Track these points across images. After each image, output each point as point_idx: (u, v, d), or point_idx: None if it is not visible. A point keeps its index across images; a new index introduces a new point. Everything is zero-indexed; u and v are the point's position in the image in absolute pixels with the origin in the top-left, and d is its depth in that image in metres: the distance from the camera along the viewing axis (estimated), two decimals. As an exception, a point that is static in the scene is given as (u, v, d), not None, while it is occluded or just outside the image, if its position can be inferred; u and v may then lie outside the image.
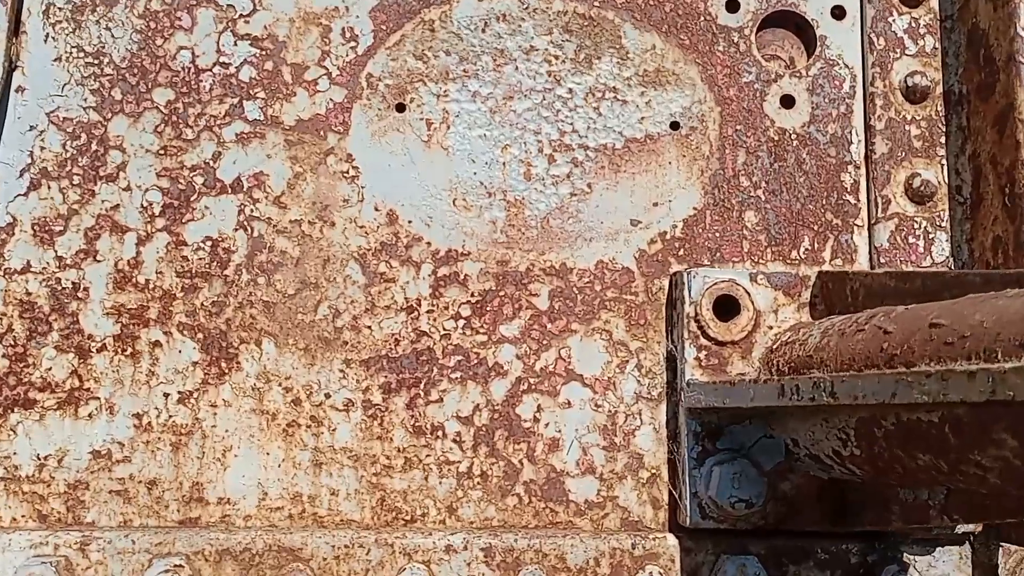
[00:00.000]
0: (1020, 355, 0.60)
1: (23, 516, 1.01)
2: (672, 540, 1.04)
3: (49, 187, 1.07)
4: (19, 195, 1.07)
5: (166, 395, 1.04)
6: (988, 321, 0.64)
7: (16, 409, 1.02)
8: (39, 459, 1.01)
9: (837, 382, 0.77)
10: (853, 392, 0.74)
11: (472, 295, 1.09)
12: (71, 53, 1.10)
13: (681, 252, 1.13)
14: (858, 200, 1.15)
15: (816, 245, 1.14)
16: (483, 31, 1.15)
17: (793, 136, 1.16)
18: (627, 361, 1.10)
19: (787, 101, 1.17)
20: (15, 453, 1.01)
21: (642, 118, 1.15)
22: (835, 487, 1.02)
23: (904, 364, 0.74)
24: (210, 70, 1.11)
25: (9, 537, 0.97)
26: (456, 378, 1.08)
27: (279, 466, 1.04)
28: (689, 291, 1.06)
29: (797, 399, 0.83)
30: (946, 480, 0.78)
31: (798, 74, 1.17)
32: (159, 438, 1.03)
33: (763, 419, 1.02)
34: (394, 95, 1.13)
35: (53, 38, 1.10)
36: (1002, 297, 0.68)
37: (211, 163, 1.09)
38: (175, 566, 0.96)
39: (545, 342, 1.09)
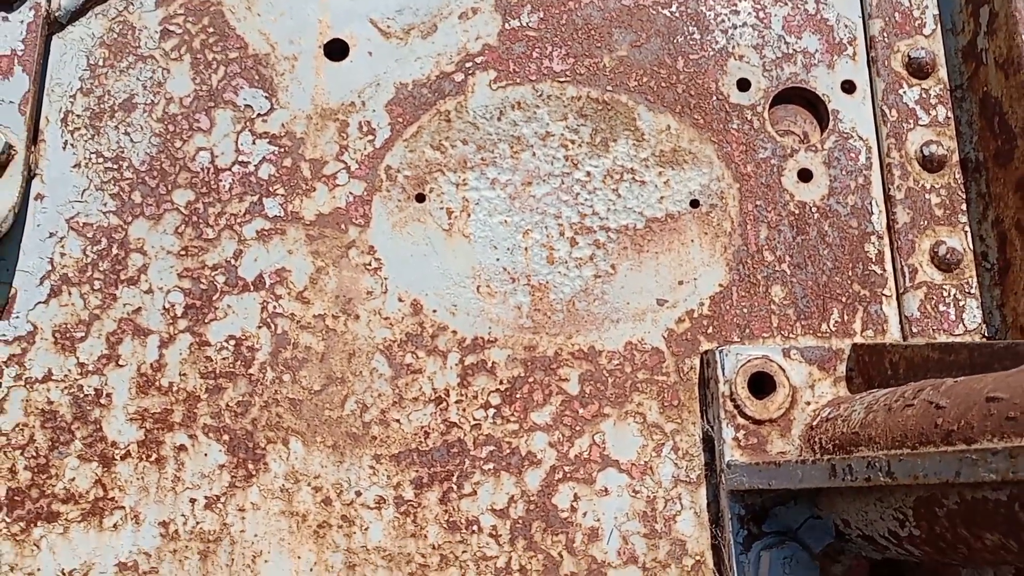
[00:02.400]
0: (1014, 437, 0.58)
1: (44, 638, 0.97)
2: (722, 632, 1.00)
3: (70, 293, 1.06)
4: (39, 303, 1.06)
5: (192, 500, 1.00)
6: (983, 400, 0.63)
7: (39, 523, 0.99)
8: (64, 575, 0.98)
9: (894, 461, 0.75)
10: (913, 472, 0.72)
11: (501, 383, 1.07)
12: (90, 159, 1.10)
13: (710, 330, 1.11)
14: (884, 270, 1.15)
15: (846, 317, 1.13)
16: (499, 119, 1.16)
17: (814, 209, 1.16)
18: (663, 444, 1.07)
19: (805, 175, 1.17)
20: (39, 569, 0.97)
21: (661, 197, 1.15)
22: (891, 568, 0.98)
23: (963, 440, 0.71)
24: (229, 169, 1.12)
25: (30, 662, 0.92)
26: (489, 469, 1.05)
27: (311, 570, 1.00)
28: (723, 369, 1.05)
29: (851, 479, 0.81)
30: (1015, 559, 0.75)
31: (813, 148, 1.18)
32: (187, 546, 0.99)
33: (810, 499, 0.99)
34: (413, 186, 1.13)
35: (72, 145, 1.11)
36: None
37: (232, 261, 1.09)
38: None
39: (578, 428, 1.07)
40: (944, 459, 0.69)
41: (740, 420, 1.03)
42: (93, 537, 0.99)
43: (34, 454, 1.00)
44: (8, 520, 0.99)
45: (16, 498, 0.99)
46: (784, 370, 1.04)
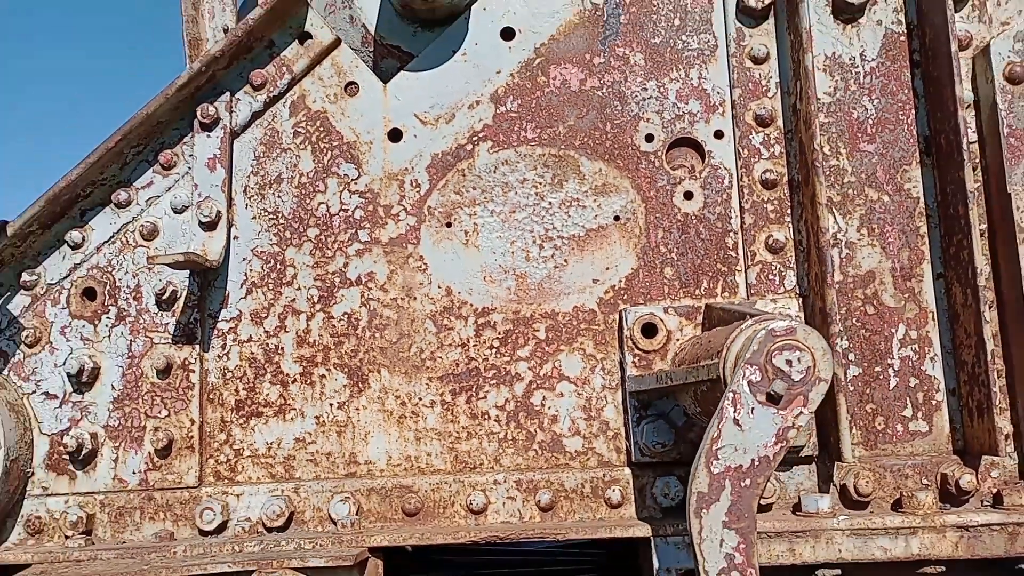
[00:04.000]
0: (716, 357, 1.29)
1: (260, 476, 1.83)
2: (627, 471, 1.76)
3: (256, 292, 1.89)
4: (241, 298, 1.89)
5: (332, 404, 1.84)
6: (715, 339, 1.34)
7: (252, 417, 1.84)
8: (267, 444, 1.83)
9: (672, 374, 1.48)
10: (673, 379, 1.45)
11: (499, 333, 1.84)
12: (260, 214, 1.92)
13: (625, 297, 1.83)
14: (737, 255, 1.82)
15: (711, 285, 1.82)
16: (494, 172, 1.89)
17: (693, 217, 1.85)
18: (595, 366, 1.81)
19: (688, 195, 1.85)
20: (254, 442, 1.84)
21: (595, 215, 1.86)
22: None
23: (694, 361, 1.44)
24: (338, 214, 1.91)
25: (255, 487, 1.79)
26: (493, 383, 1.82)
27: (396, 441, 1.82)
28: (627, 321, 1.77)
29: (662, 383, 1.54)
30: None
31: (694, 177, 1.86)
32: (329, 429, 1.83)
33: (673, 395, 1.72)
34: (444, 217, 1.89)
35: (248, 205, 1.92)
36: (731, 327, 1.37)
37: (343, 269, 1.89)
38: (345, 498, 1.75)
39: (544, 358, 1.82)
40: (685, 371, 1.41)
41: (636, 351, 1.76)
42: (280, 425, 1.84)
43: (247, 382, 1.86)
44: (236, 417, 1.84)
45: (239, 405, 1.85)
46: (663, 321, 1.76)
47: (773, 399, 1.23)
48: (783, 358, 1.24)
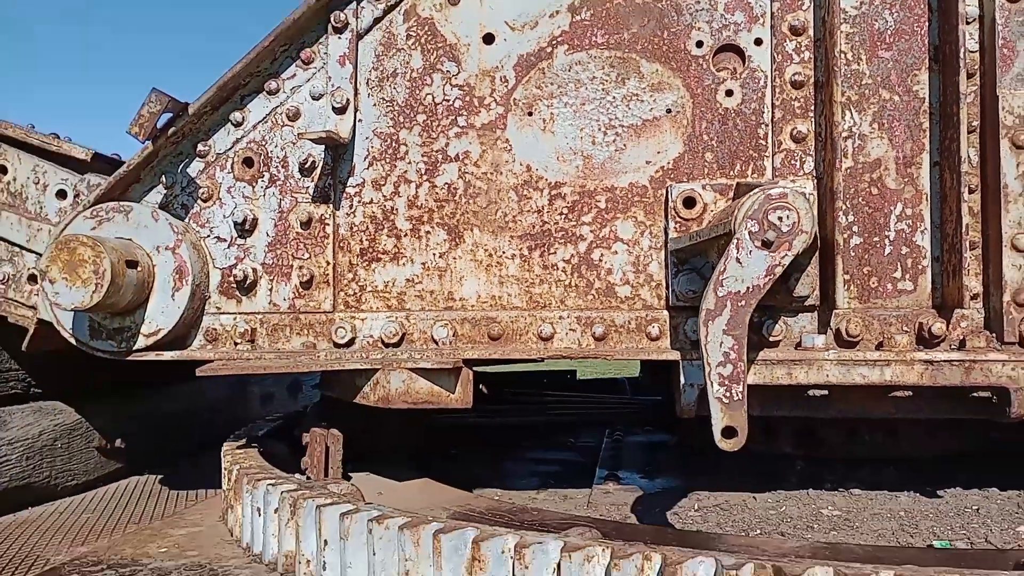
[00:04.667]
0: (731, 217, 1.73)
1: (379, 307, 2.37)
2: (665, 312, 2.23)
3: (376, 164, 2.38)
4: (364, 169, 2.39)
5: (434, 254, 2.34)
6: (734, 207, 1.77)
7: (373, 263, 2.37)
8: (384, 282, 2.36)
9: (700, 232, 1.92)
10: (701, 236, 1.89)
11: (568, 203, 2.30)
12: (380, 101, 2.39)
13: (672, 176, 2.26)
14: (767, 143, 2.22)
15: (743, 168, 2.23)
16: (568, 71, 2.31)
17: (733, 112, 2.24)
18: (644, 231, 2.26)
19: (729, 93, 2.24)
20: (375, 280, 2.36)
21: (651, 108, 2.28)
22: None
23: (722, 224, 1.87)
24: (441, 103, 2.36)
25: (376, 314, 2.33)
26: (562, 242, 2.30)
27: (484, 283, 2.32)
28: (671, 195, 2.21)
29: (695, 240, 1.99)
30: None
31: (735, 77, 2.25)
32: (432, 273, 2.34)
33: (704, 252, 2.16)
34: (526, 108, 2.33)
35: (370, 95, 2.39)
36: (745, 196, 1.80)
37: (445, 148, 2.36)
38: (445, 324, 2.28)
39: (604, 224, 2.28)
40: (710, 228, 1.85)
41: (678, 219, 2.20)
42: (395, 269, 2.35)
43: (369, 234, 2.37)
44: (360, 261, 2.37)
45: (363, 252, 2.37)
46: (701, 195, 2.19)
47: (766, 244, 1.67)
48: (776, 215, 1.67)
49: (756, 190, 1.76)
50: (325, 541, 1.74)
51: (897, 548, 2.00)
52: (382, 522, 1.63)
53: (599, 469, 2.93)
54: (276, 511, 1.90)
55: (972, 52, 2.11)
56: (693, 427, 2.81)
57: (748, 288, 1.71)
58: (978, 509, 2.27)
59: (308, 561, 1.80)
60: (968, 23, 2.10)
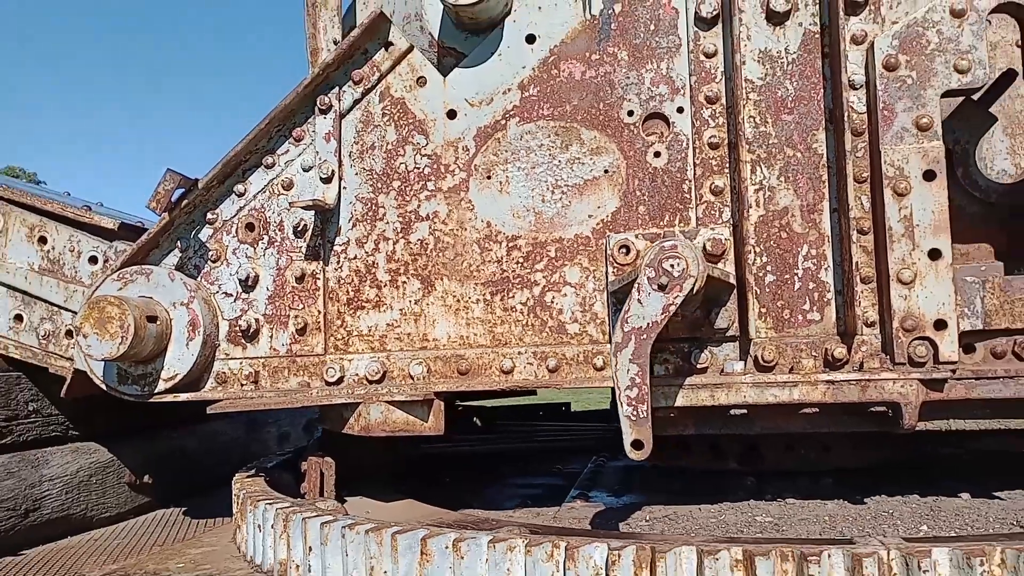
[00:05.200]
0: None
1: (363, 348, 2.72)
2: (608, 346, 2.56)
3: (359, 225, 2.76)
4: (349, 229, 2.77)
5: (410, 301, 2.71)
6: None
7: (358, 311, 2.73)
8: (368, 327, 2.72)
9: (625, 278, 2.26)
10: (626, 280, 2.24)
11: (523, 253, 2.66)
12: (360, 171, 2.78)
13: (610, 227, 2.61)
14: (690, 197, 2.57)
15: (671, 219, 2.58)
16: (520, 139, 2.69)
17: (661, 170, 2.60)
18: (589, 275, 2.61)
19: (657, 154, 2.60)
20: (360, 326, 2.73)
21: (591, 169, 2.64)
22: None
23: (635, 266, 2.22)
24: (413, 171, 2.75)
25: (361, 355, 2.69)
26: (519, 287, 2.65)
27: (453, 325, 2.68)
28: (610, 244, 2.56)
29: (624, 282, 2.33)
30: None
31: (662, 141, 2.61)
32: (409, 317, 2.70)
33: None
34: (485, 172, 2.70)
35: (352, 165, 2.78)
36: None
37: (417, 209, 2.73)
38: (420, 362, 2.63)
39: (554, 270, 2.64)
40: (630, 274, 2.20)
41: (616, 265, 2.54)
42: (376, 315, 2.72)
43: (354, 286, 2.74)
44: (347, 309, 2.74)
45: (349, 301, 2.74)
46: (634, 243, 2.54)
47: (662, 287, 2.01)
48: (668, 263, 2.02)
49: (659, 241, 2.11)
50: (310, 547, 2.09)
51: (783, 538, 2.28)
52: (353, 528, 1.97)
53: (574, 489, 3.24)
54: (272, 526, 2.26)
55: (861, 114, 2.45)
56: (673, 452, 3.14)
57: (648, 324, 2.05)
58: (892, 512, 2.56)
59: (297, 566, 2.15)
60: (856, 89, 2.44)
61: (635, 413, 2.05)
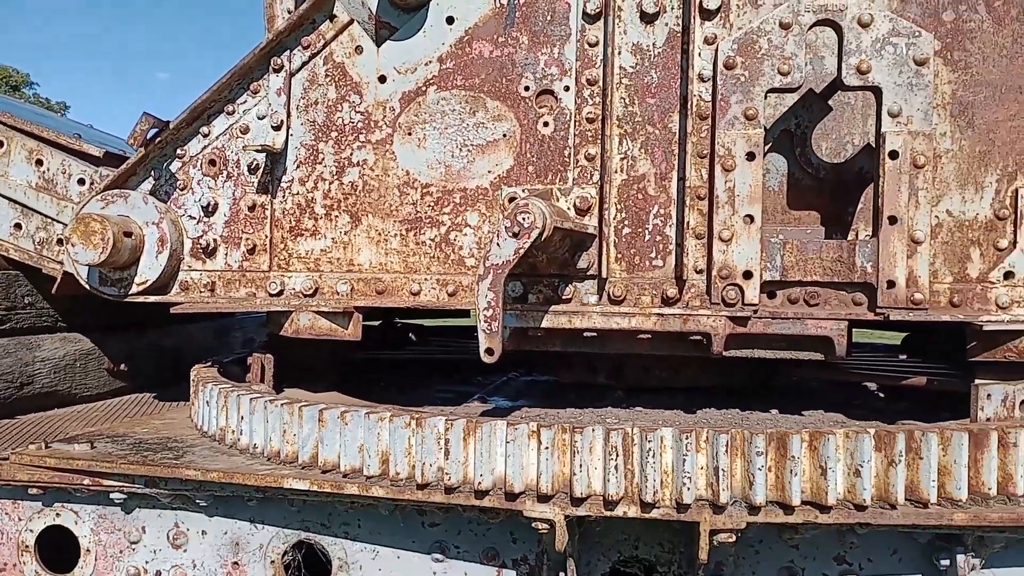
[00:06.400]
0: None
1: (301, 268, 3.34)
2: (496, 278, 3.20)
3: (302, 167, 3.35)
4: (294, 169, 3.35)
5: (341, 232, 3.32)
6: None
7: (298, 237, 3.34)
8: (305, 251, 3.33)
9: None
10: (500, 224, 2.86)
11: (434, 199, 3.25)
12: (305, 121, 3.34)
13: (505, 182, 3.21)
14: (569, 161, 3.16)
15: (553, 178, 3.17)
16: (437, 104, 3.26)
17: (548, 137, 3.18)
18: (486, 219, 3.22)
19: (546, 124, 3.18)
20: (299, 249, 3.34)
21: (492, 133, 3.22)
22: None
23: (507, 216, 2.84)
24: (348, 124, 3.32)
25: (299, 273, 3.31)
26: (429, 226, 3.25)
27: (374, 254, 3.30)
28: (502, 195, 3.15)
29: (501, 227, 2.95)
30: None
31: (551, 113, 3.18)
32: (339, 245, 3.32)
33: (520, 237, 3.12)
34: (407, 130, 3.28)
35: (298, 116, 3.35)
36: (520, 198, 2.76)
37: (350, 156, 3.31)
38: (345, 282, 3.26)
39: (458, 214, 3.24)
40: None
41: (505, 211, 3.15)
42: (313, 241, 3.33)
43: (296, 216, 3.34)
44: (289, 236, 3.35)
45: (291, 229, 3.35)
46: (520, 195, 3.14)
47: (515, 234, 2.63)
48: (520, 216, 2.63)
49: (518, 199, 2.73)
50: (241, 416, 2.75)
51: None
52: (274, 402, 2.63)
53: (478, 394, 3.92)
54: (216, 401, 2.92)
55: (706, 102, 3.03)
56: (573, 368, 3.80)
57: (503, 262, 2.66)
58: (710, 420, 3.24)
59: (232, 431, 2.81)
60: (704, 81, 3.01)
61: (488, 328, 2.69)
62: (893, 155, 2.83)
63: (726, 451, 2.17)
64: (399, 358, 4.69)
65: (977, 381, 2.80)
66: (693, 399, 3.52)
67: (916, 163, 2.81)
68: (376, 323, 4.87)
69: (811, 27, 2.91)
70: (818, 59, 3.13)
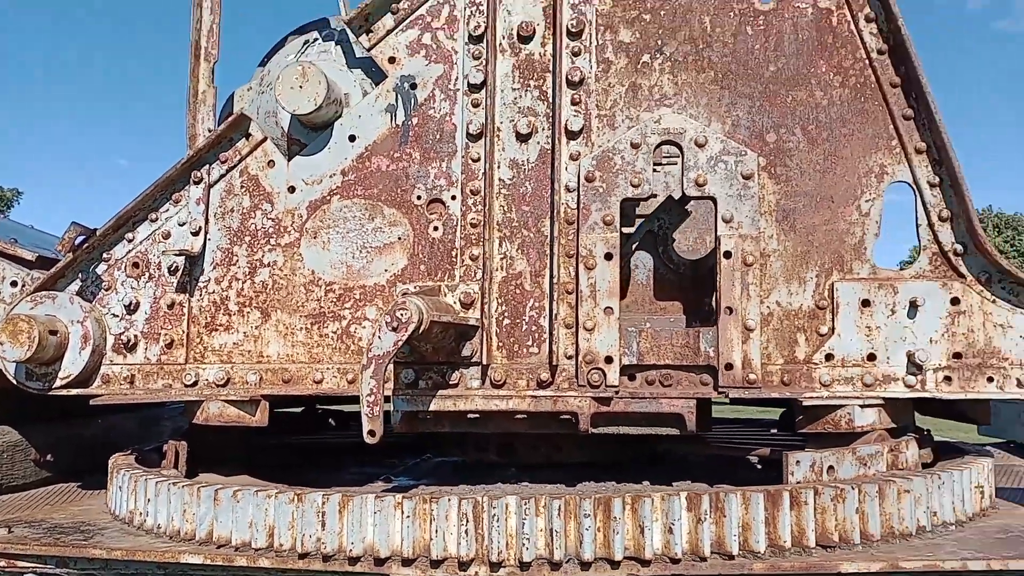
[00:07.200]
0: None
1: (215, 360, 3.65)
2: (391, 367, 3.55)
3: (218, 268, 3.71)
4: (211, 270, 3.71)
5: (252, 327, 3.65)
6: None
7: (212, 332, 3.67)
8: (219, 345, 3.66)
9: (389, 316, 3.26)
10: (388, 318, 3.24)
11: (336, 295, 3.63)
12: (222, 227, 3.72)
13: (400, 279, 3.59)
14: (456, 260, 3.57)
15: (442, 275, 3.57)
16: (340, 211, 3.66)
17: (437, 240, 3.59)
18: (383, 313, 3.59)
19: (436, 228, 3.59)
20: (214, 343, 3.66)
21: (389, 236, 3.62)
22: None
23: (393, 311, 3.21)
24: (260, 229, 3.70)
25: (213, 365, 3.62)
26: (332, 320, 3.61)
27: (283, 346, 3.63)
28: (397, 292, 3.53)
29: (391, 321, 3.32)
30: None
31: (440, 219, 3.60)
32: (250, 339, 3.65)
33: (412, 329, 3.48)
34: (313, 234, 3.67)
35: (216, 223, 3.72)
36: (403, 296, 3.14)
37: (261, 258, 3.68)
38: (255, 372, 3.58)
39: (358, 309, 3.60)
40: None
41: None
42: (226, 336, 3.66)
43: (211, 313, 3.68)
44: (205, 331, 3.67)
45: (207, 325, 3.68)
46: (411, 292, 3.52)
47: (394, 328, 2.99)
48: (399, 312, 3.00)
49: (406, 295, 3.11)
50: (148, 499, 3.01)
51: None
52: (176, 485, 2.91)
53: (386, 475, 4.20)
54: (126, 486, 3.18)
55: (572, 209, 3.48)
56: (469, 449, 4.11)
57: (384, 353, 3.01)
58: (585, 491, 3.56)
59: (140, 513, 3.07)
60: (570, 192, 3.47)
61: (371, 412, 3.01)
62: (727, 255, 3.29)
63: (559, 514, 2.51)
64: (318, 443, 4.96)
65: (790, 453, 3.19)
66: (578, 474, 3.85)
67: (746, 261, 3.27)
68: (299, 410, 5.14)
69: (657, 146, 3.41)
70: (668, 173, 3.62)
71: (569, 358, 3.43)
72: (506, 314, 3.51)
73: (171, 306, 3.70)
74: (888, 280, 3.41)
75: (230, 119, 3.70)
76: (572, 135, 3.50)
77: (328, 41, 3.90)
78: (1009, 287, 3.38)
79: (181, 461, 3.62)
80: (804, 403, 3.15)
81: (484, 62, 3.55)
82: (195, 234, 3.68)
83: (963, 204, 3.37)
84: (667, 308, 3.78)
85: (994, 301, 3.38)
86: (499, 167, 3.55)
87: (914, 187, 3.44)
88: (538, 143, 3.57)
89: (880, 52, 3.48)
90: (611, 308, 3.35)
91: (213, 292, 3.70)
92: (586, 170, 3.43)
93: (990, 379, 3.33)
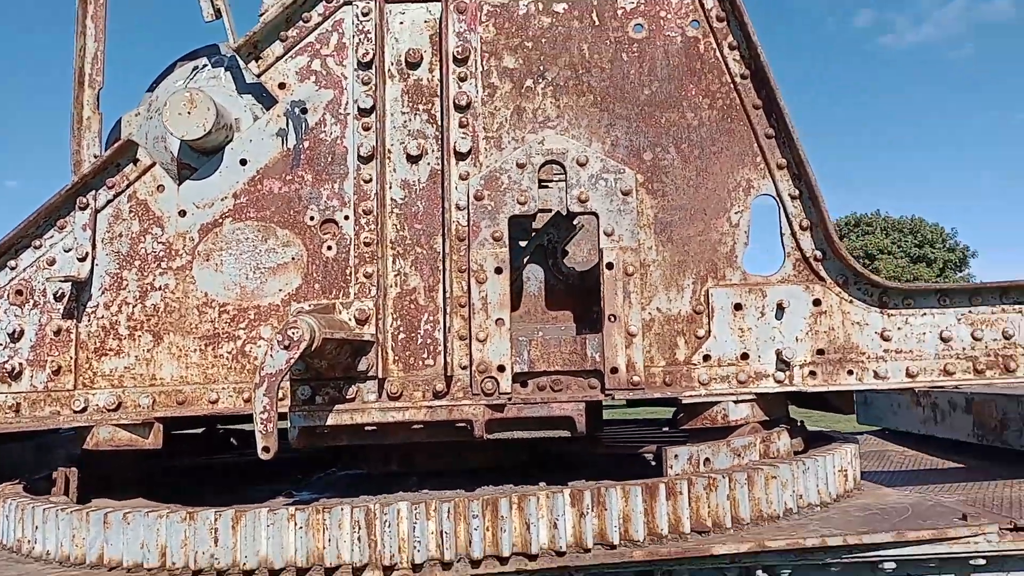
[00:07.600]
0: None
1: (105, 385, 3.61)
2: (287, 384, 3.58)
3: (107, 293, 3.67)
4: (99, 295, 3.67)
5: (144, 350, 3.63)
6: None
7: (103, 357, 3.63)
8: (110, 370, 3.62)
9: (283, 334, 3.30)
10: (282, 336, 3.28)
11: (230, 316, 3.64)
12: (111, 252, 3.69)
13: (295, 298, 3.65)
14: (351, 278, 3.65)
15: (337, 293, 3.64)
16: (233, 233, 3.69)
17: (331, 259, 3.66)
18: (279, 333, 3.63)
19: (329, 248, 3.66)
20: (104, 368, 3.62)
21: (282, 257, 3.66)
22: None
23: (287, 329, 3.27)
24: (151, 253, 3.69)
25: (103, 390, 3.58)
26: (226, 340, 3.63)
27: (177, 368, 3.62)
28: (291, 310, 3.59)
29: (286, 339, 3.37)
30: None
31: (334, 239, 3.68)
32: (142, 362, 3.62)
33: (308, 347, 3.54)
34: (205, 256, 3.68)
35: (104, 248, 3.69)
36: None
37: (152, 282, 3.67)
38: (148, 395, 3.55)
39: (253, 328, 3.63)
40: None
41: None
42: (117, 360, 3.62)
43: (100, 338, 3.64)
44: (94, 356, 3.63)
45: (96, 350, 3.63)
46: (304, 310, 3.58)
47: (286, 347, 3.05)
48: (290, 330, 3.06)
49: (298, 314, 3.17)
50: (35, 526, 2.96)
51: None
52: (64, 510, 2.88)
53: (288, 490, 4.21)
54: (13, 514, 3.11)
55: (463, 227, 3.62)
56: (372, 461, 4.15)
57: (276, 371, 3.07)
58: (483, 495, 3.67)
59: (28, 540, 3.01)
60: (461, 210, 3.61)
61: (265, 430, 3.06)
62: (609, 266, 3.49)
63: (449, 516, 2.62)
64: (218, 463, 4.91)
65: (668, 447, 3.41)
66: (478, 479, 3.96)
67: (627, 271, 3.48)
68: (199, 431, 5.08)
69: (542, 166, 3.59)
70: (553, 190, 3.80)
71: (464, 368, 3.55)
72: (401, 328, 3.61)
73: (57, 332, 3.64)
74: (757, 285, 3.67)
75: (117, 145, 3.69)
76: (461, 156, 3.64)
77: (218, 67, 3.94)
78: (864, 288, 3.70)
79: (72, 488, 3.55)
80: (684, 401, 3.37)
81: (373, 87, 3.67)
82: (82, 260, 3.64)
83: (820, 214, 3.67)
84: (558, 317, 3.95)
85: (851, 301, 3.69)
86: (391, 187, 3.66)
87: (777, 199, 3.73)
88: (428, 164, 3.70)
89: (743, 76, 3.77)
90: (502, 319, 3.49)
91: (102, 317, 3.66)
92: (475, 189, 3.57)
93: (850, 372, 3.63)
